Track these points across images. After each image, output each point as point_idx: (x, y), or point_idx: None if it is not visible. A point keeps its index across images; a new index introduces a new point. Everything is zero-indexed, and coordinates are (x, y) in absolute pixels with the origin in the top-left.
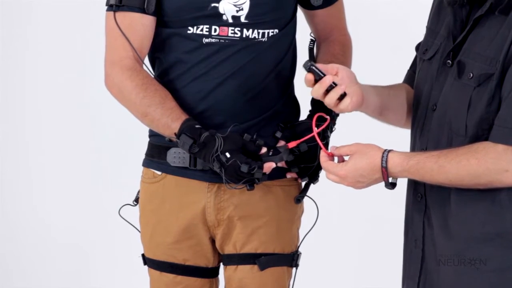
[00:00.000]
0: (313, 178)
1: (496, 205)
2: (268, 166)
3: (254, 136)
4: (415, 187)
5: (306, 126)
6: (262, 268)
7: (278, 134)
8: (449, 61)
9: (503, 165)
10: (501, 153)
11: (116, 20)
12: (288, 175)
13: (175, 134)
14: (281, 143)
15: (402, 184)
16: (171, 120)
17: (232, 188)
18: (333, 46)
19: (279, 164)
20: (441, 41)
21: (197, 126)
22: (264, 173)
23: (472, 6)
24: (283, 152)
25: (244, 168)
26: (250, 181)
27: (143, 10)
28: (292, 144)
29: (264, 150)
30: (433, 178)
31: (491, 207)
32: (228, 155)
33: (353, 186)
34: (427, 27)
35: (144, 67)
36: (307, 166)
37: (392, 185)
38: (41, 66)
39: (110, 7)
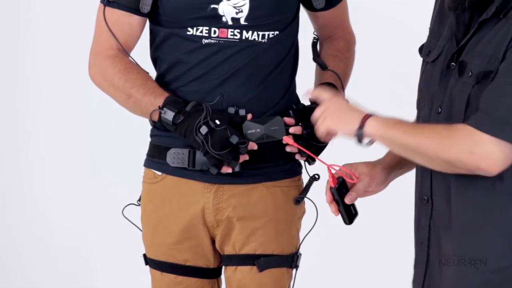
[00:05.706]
0: (312, 158)
1: (498, 206)
2: (251, 146)
3: (236, 108)
4: (421, 190)
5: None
6: (261, 269)
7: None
8: (453, 63)
9: (469, 145)
10: (471, 133)
11: (104, 14)
12: (287, 148)
13: (159, 107)
14: (287, 119)
15: (406, 186)
16: (153, 98)
17: (215, 171)
18: (338, 42)
19: (288, 149)
20: (444, 42)
21: (180, 101)
22: (242, 153)
23: (474, 10)
24: (279, 123)
25: (234, 139)
26: (231, 156)
27: (133, 10)
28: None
29: (250, 116)
30: (404, 137)
31: (493, 208)
32: (218, 122)
33: (332, 115)
34: (429, 28)
35: (142, 65)
36: (311, 143)
37: (359, 138)
38: (43, 65)
39: (102, 0)
